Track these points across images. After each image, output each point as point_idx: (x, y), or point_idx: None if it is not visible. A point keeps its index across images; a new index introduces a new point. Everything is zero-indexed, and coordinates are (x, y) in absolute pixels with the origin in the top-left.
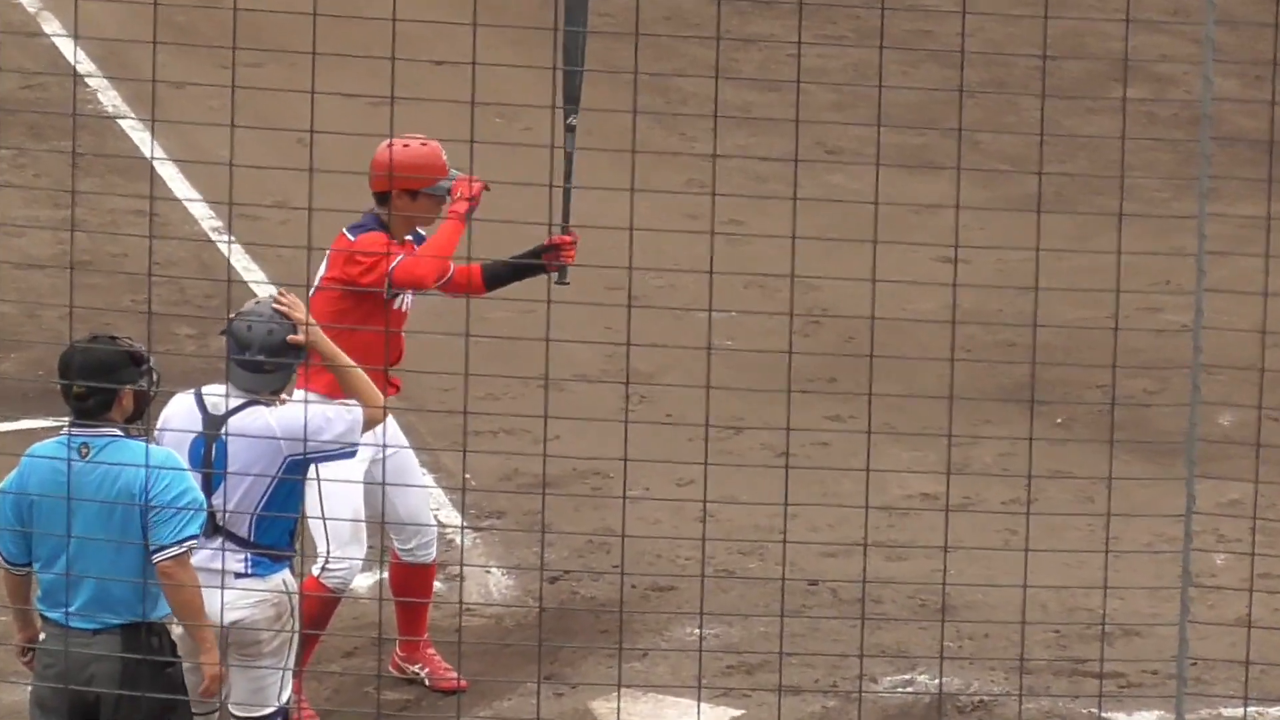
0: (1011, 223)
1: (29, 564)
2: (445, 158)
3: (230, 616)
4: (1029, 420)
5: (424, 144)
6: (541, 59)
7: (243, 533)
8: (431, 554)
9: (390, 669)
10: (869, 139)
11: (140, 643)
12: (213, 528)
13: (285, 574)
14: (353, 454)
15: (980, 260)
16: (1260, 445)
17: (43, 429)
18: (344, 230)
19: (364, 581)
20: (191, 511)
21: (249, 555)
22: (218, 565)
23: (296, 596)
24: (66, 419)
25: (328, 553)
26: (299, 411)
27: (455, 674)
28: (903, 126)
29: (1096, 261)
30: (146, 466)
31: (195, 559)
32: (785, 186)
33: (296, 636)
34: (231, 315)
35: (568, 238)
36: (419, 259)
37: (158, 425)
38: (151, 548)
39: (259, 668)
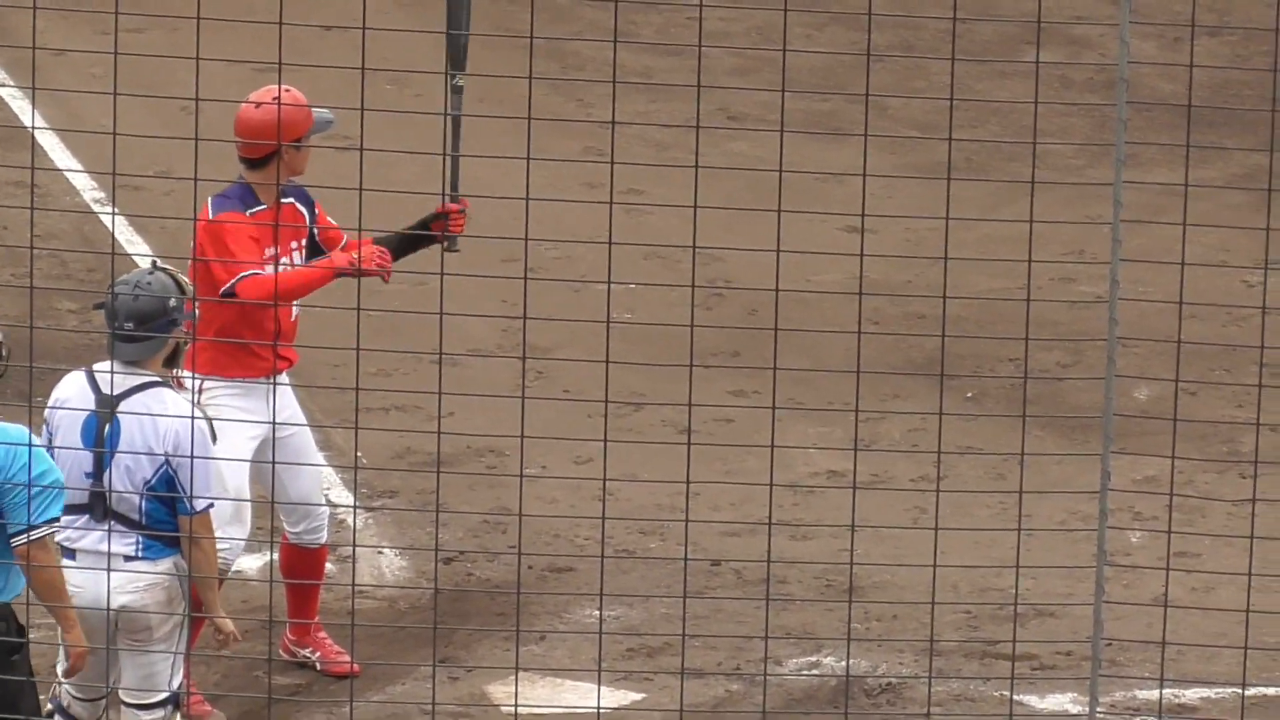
0: (920, 191)
1: None
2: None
3: (119, 601)
4: (938, 395)
5: (288, 91)
6: (434, 23)
7: (133, 515)
8: (322, 537)
9: (280, 652)
10: (773, 104)
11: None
12: (102, 511)
13: (176, 558)
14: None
15: (888, 230)
16: (1177, 420)
17: None
18: (208, 200)
19: (253, 563)
20: (53, 492)
21: (139, 538)
22: (105, 549)
23: (187, 580)
24: None
25: None
26: (185, 426)
27: (347, 658)
28: (808, 91)
29: (1008, 230)
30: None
31: (84, 542)
32: (686, 154)
33: (187, 621)
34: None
35: (455, 206)
36: (266, 282)
37: (49, 404)
38: (10, 530)
39: (150, 652)
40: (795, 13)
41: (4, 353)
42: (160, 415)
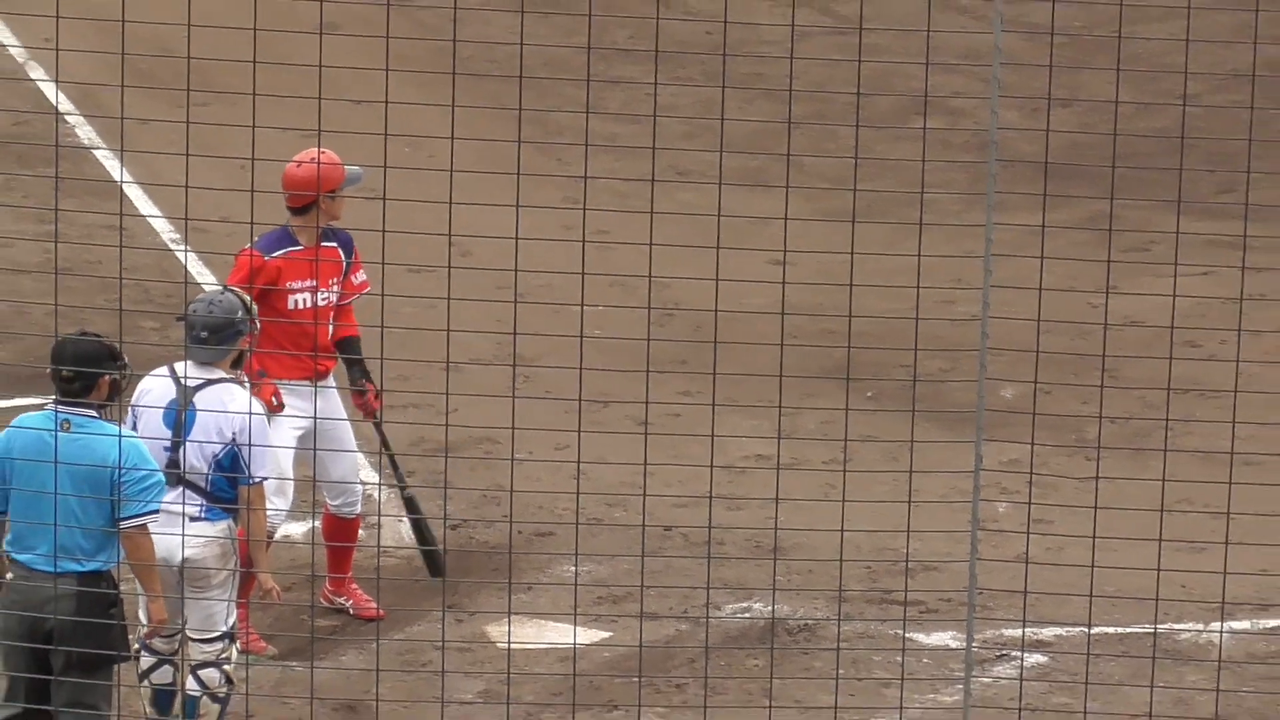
0: (831, 231)
1: (4, 513)
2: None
3: (184, 554)
4: (845, 394)
5: (324, 153)
6: (444, 99)
7: (201, 484)
8: (356, 509)
9: (321, 600)
10: (713, 162)
11: (94, 586)
12: (176, 479)
13: (230, 521)
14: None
15: (805, 263)
16: (1035, 414)
17: (33, 405)
18: (253, 245)
19: (299, 529)
20: (157, 488)
21: (204, 503)
22: (178, 509)
23: (237, 541)
24: (52, 398)
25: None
26: (246, 419)
27: (375, 605)
28: (741, 152)
29: (901, 263)
30: (120, 445)
31: (163, 500)
32: (644, 203)
33: (237, 574)
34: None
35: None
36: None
37: (134, 397)
38: (122, 515)
39: (208, 599)
40: (731, 89)
41: (127, 370)
42: (229, 406)
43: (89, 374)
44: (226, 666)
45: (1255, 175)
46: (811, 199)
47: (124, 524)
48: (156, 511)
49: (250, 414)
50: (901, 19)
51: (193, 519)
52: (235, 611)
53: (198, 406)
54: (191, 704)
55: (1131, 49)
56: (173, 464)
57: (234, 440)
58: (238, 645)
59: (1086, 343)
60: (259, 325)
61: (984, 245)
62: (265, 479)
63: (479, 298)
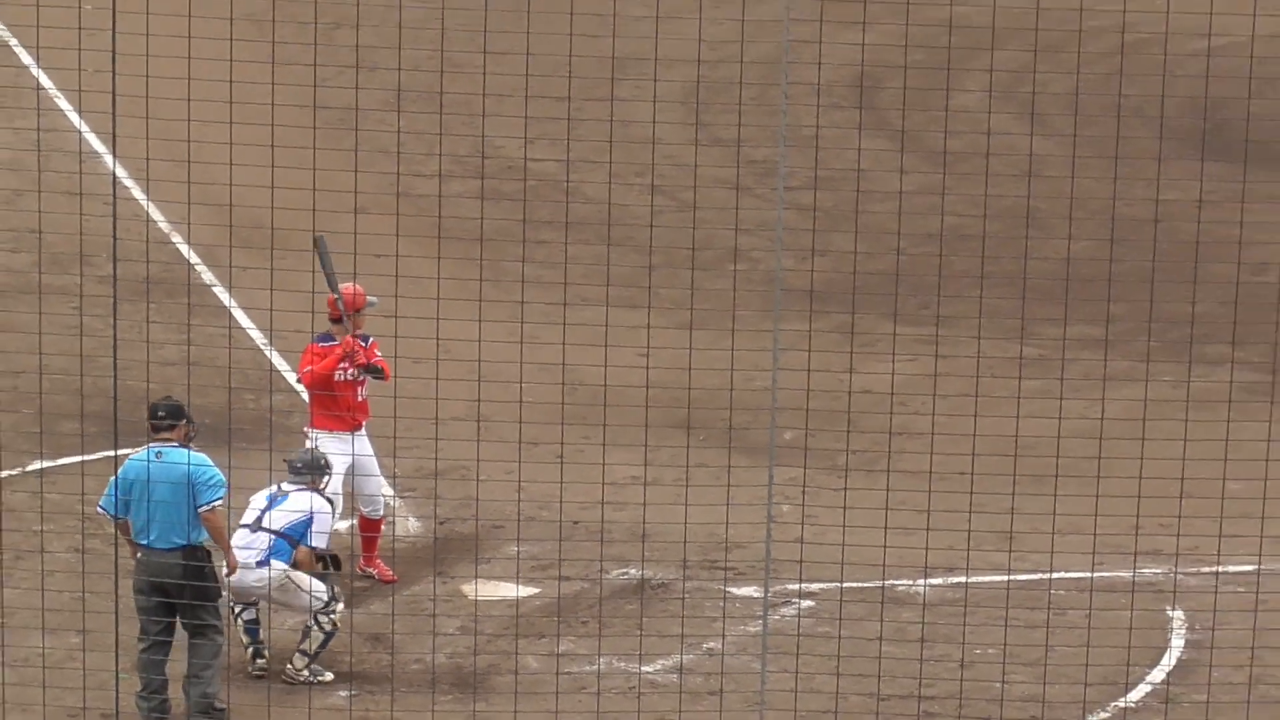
0: (679, 336)
1: (125, 517)
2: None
3: (256, 590)
4: (686, 437)
5: (356, 289)
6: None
7: (267, 538)
8: (379, 513)
9: (358, 569)
10: (602, 294)
11: (193, 554)
12: (257, 528)
13: (286, 565)
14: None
15: (659, 355)
16: (806, 449)
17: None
18: (313, 341)
19: (343, 525)
20: (220, 485)
21: (268, 554)
22: (250, 559)
23: (296, 574)
24: (149, 440)
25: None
26: (320, 509)
27: (391, 572)
28: (625, 286)
29: (720, 356)
30: (188, 465)
31: (244, 554)
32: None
33: (301, 591)
34: (288, 457)
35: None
36: (306, 377)
37: (253, 502)
38: (199, 504)
39: (293, 607)
40: (615, 246)
41: (195, 430)
42: (319, 503)
43: (172, 414)
44: (333, 615)
45: (943, 298)
46: (664, 314)
47: (201, 509)
48: (220, 499)
49: (313, 512)
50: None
51: (258, 564)
52: (326, 590)
53: (288, 495)
54: (285, 548)
55: (865, 220)
56: (260, 524)
57: (311, 517)
58: (341, 605)
59: (838, 403)
60: (329, 471)
61: (773, 343)
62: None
63: (457, 378)
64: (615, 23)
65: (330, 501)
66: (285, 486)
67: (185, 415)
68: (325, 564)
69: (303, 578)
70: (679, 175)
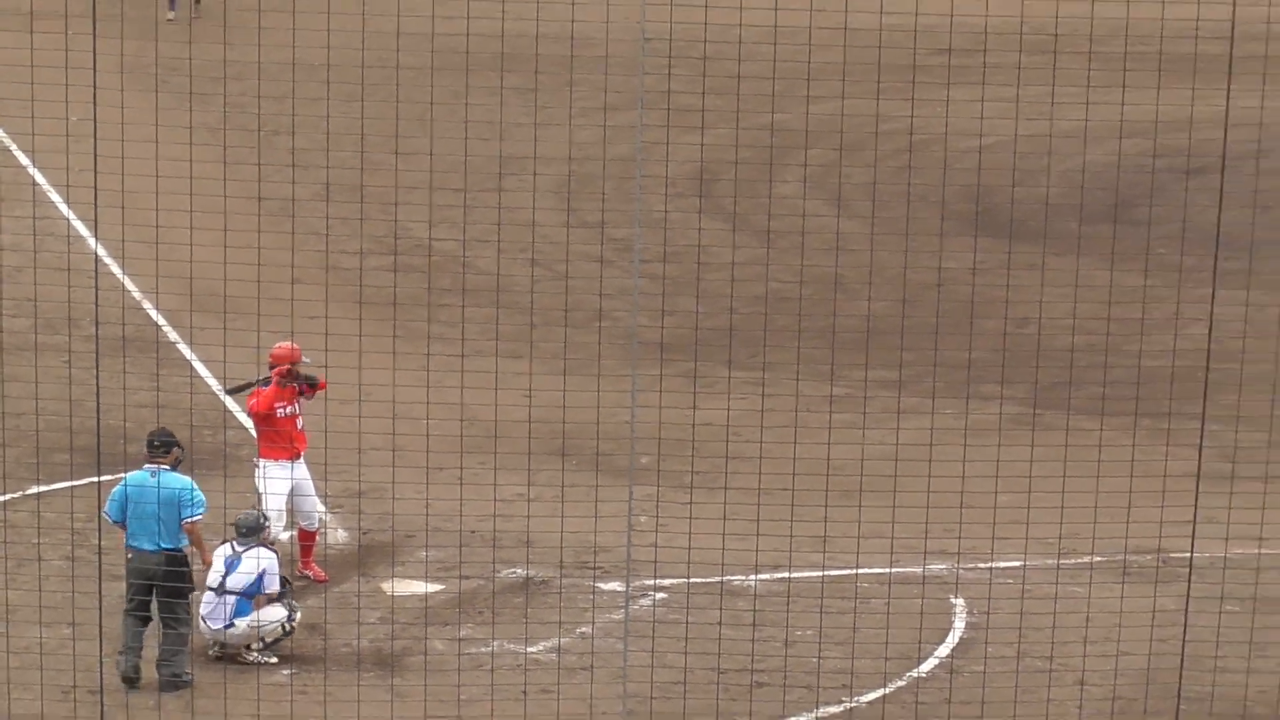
0: (557, 381)
1: (124, 522)
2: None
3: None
4: (562, 464)
5: (294, 345)
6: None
7: (233, 597)
8: (314, 526)
9: (297, 571)
10: (491, 348)
11: (175, 557)
12: (222, 590)
13: (249, 618)
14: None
15: (539, 397)
16: (659, 470)
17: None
18: (257, 386)
19: (285, 536)
20: (201, 502)
21: (230, 615)
22: (218, 618)
23: (261, 615)
24: (145, 463)
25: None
26: (269, 567)
27: (325, 574)
28: (506, 341)
29: (590, 397)
30: (179, 486)
31: (210, 613)
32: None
33: (268, 622)
34: (234, 522)
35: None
36: (252, 409)
37: (214, 554)
38: (184, 517)
39: (266, 629)
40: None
41: (183, 451)
42: (267, 562)
43: (166, 444)
44: (291, 623)
45: (768, 348)
46: (543, 363)
47: (185, 521)
48: (201, 515)
49: (265, 571)
50: (591, 271)
51: (225, 627)
52: (285, 608)
53: (242, 559)
54: (246, 606)
55: (704, 285)
56: (223, 586)
57: (262, 574)
58: (298, 615)
59: (684, 434)
60: (271, 532)
61: (631, 385)
62: (280, 586)
63: (376, 416)
64: (501, 129)
65: (274, 549)
66: (237, 548)
67: (176, 444)
68: (283, 592)
69: (266, 614)
70: (554, 251)
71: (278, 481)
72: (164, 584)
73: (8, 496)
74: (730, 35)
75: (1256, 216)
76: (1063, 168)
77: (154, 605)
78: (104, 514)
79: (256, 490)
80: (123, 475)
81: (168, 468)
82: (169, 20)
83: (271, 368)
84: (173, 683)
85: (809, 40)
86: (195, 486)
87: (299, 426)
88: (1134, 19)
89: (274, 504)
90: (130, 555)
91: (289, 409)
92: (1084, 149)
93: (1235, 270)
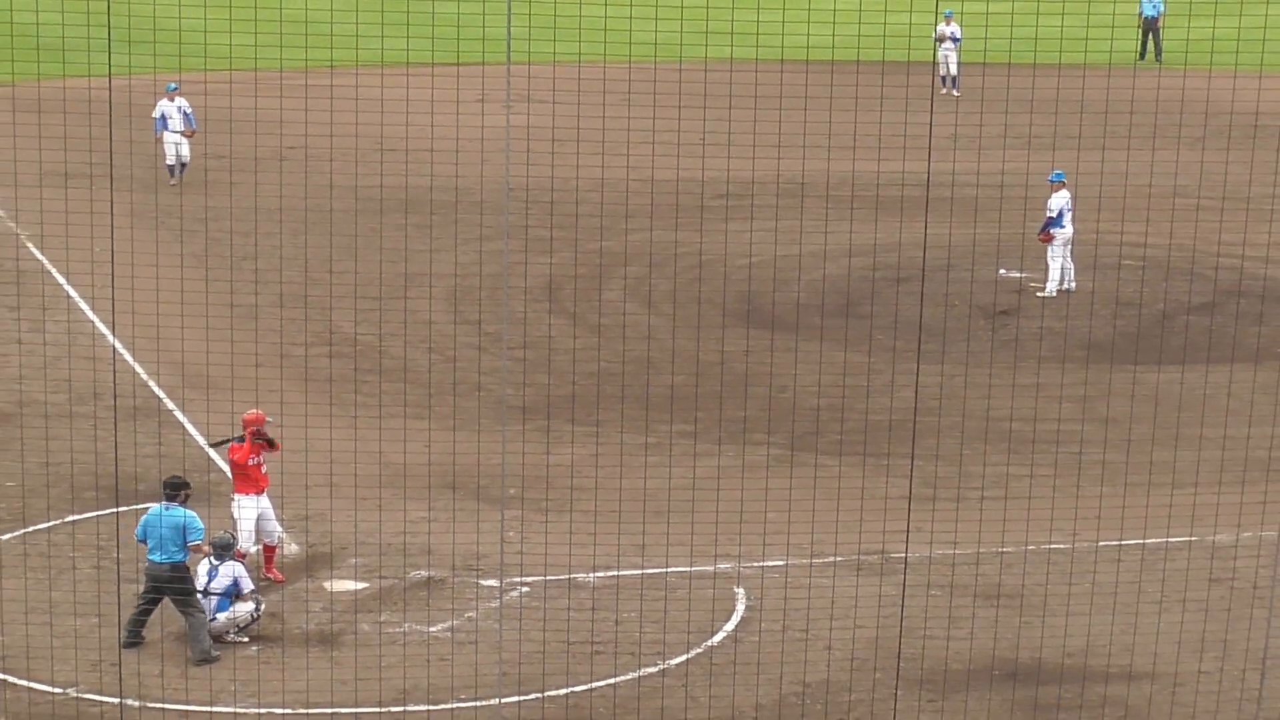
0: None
1: (145, 540)
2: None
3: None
4: (453, 494)
5: (259, 413)
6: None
7: (216, 594)
8: (274, 541)
9: (262, 575)
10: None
11: (179, 567)
12: (204, 593)
13: (229, 611)
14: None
15: (448, 445)
16: (524, 499)
17: (152, 504)
18: (233, 442)
19: (253, 549)
20: (199, 530)
21: (213, 609)
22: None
23: (236, 610)
24: (161, 499)
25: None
26: (240, 574)
27: (282, 575)
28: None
29: (473, 447)
30: (185, 518)
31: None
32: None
33: (240, 615)
34: (211, 541)
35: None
36: (231, 456)
37: (200, 568)
38: (188, 540)
39: (240, 619)
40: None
41: (189, 493)
42: (238, 570)
43: (175, 486)
44: (258, 614)
45: (600, 410)
46: (438, 421)
47: (189, 543)
48: (199, 539)
49: (237, 578)
50: (473, 356)
51: (210, 620)
52: (254, 603)
53: (219, 569)
54: (225, 603)
55: (554, 364)
56: (207, 589)
57: (237, 580)
58: (263, 607)
59: (541, 472)
60: (238, 542)
61: (502, 438)
62: (253, 589)
63: (318, 462)
64: (406, 253)
65: (243, 561)
66: (214, 562)
67: (185, 485)
68: (251, 591)
69: (240, 607)
70: (445, 341)
71: (248, 509)
72: (169, 586)
73: (51, 523)
74: (569, 185)
75: (947, 311)
76: (808, 278)
77: (160, 605)
78: (135, 536)
79: (233, 516)
80: (140, 506)
81: (177, 504)
82: (171, 185)
83: (245, 428)
84: (204, 659)
85: (626, 189)
86: (196, 516)
87: (263, 471)
88: (858, 171)
89: (246, 526)
90: (147, 565)
91: (256, 459)
92: (824, 264)
93: (932, 350)
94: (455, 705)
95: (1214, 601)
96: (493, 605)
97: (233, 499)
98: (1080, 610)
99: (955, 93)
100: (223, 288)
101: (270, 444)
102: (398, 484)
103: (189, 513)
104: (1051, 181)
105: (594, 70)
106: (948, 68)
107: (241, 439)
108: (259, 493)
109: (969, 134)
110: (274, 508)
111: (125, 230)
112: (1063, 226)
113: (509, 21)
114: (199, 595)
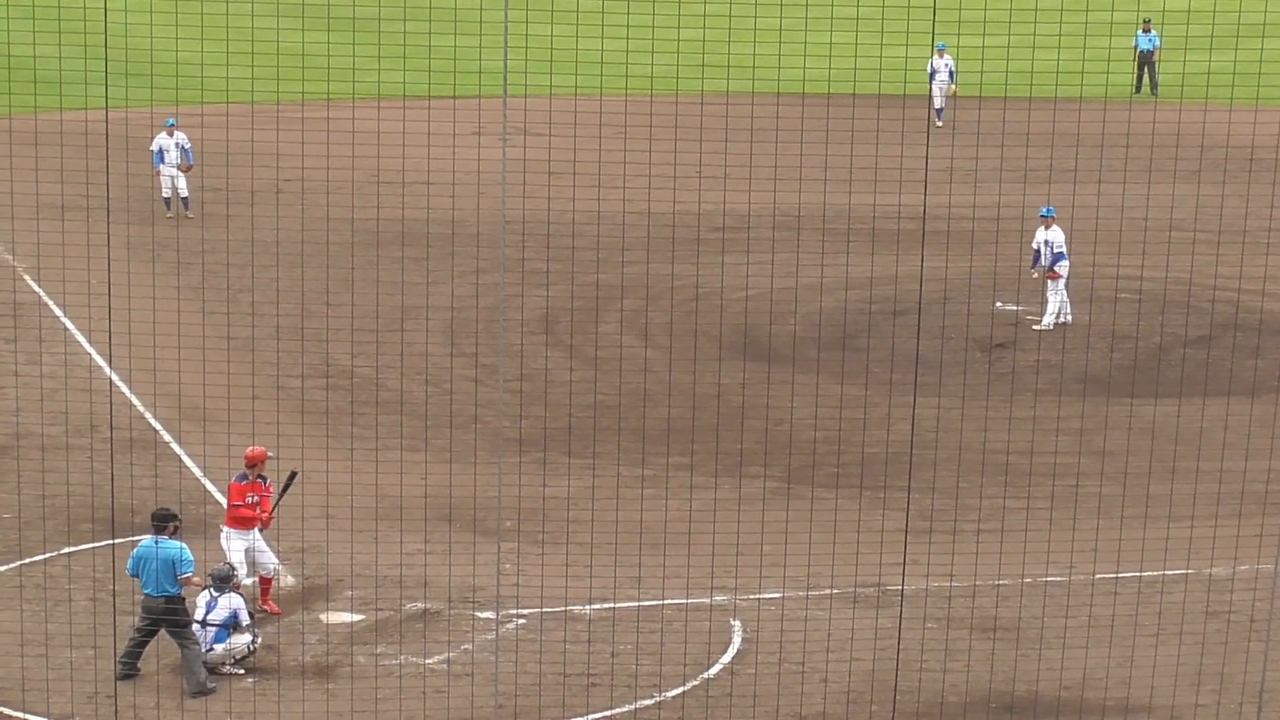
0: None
1: (138, 575)
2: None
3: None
4: (449, 526)
5: (262, 448)
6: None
7: (213, 627)
8: (270, 573)
9: (258, 606)
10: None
11: (173, 600)
12: (202, 624)
13: (226, 643)
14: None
15: (444, 478)
16: (519, 531)
17: (145, 537)
18: (234, 479)
19: (249, 581)
20: (190, 563)
21: (211, 639)
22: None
23: (232, 642)
24: (151, 533)
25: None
26: (239, 605)
27: (279, 609)
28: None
29: (469, 480)
30: (179, 551)
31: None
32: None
33: (237, 646)
34: (210, 572)
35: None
36: (230, 501)
37: (199, 599)
38: (179, 573)
39: (236, 651)
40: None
41: (180, 524)
42: (236, 603)
43: (164, 519)
44: (254, 646)
45: (596, 443)
46: (435, 454)
47: (180, 576)
48: (192, 571)
49: (235, 610)
50: (469, 389)
51: (207, 650)
52: (249, 635)
53: (218, 600)
54: (223, 635)
55: (550, 397)
56: (204, 620)
57: (235, 612)
58: (259, 640)
59: (537, 504)
60: (236, 573)
61: (498, 470)
62: (249, 621)
63: (314, 495)
64: (403, 287)
65: (241, 594)
66: (214, 593)
67: (173, 517)
68: (249, 624)
69: (236, 639)
70: (441, 374)
71: (238, 542)
72: (164, 619)
73: (47, 555)
74: (565, 218)
75: (943, 344)
76: (804, 311)
77: (155, 638)
78: (126, 570)
79: (223, 547)
80: (134, 539)
81: (167, 536)
82: (167, 218)
83: (249, 466)
84: (200, 692)
85: (623, 222)
86: (186, 549)
87: (257, 511)
88: (855, 204)
89: (234, 559)
90: (142, 597)
91: (252, 498)
92: (820, 297)
93: (929, 383)
94: None
95: (1211, 634)
96: (489, 637)
97: (222, 530)
98: (1077, 643)
99: (939, 123)
100: (219, 320)
101: (266, 486)
102: (394, 516)
103: (181, 545)
104: (1043, 216)
105: (590, 103)
106: (944, 100)
107: (244, 477)
108: (249, 529)
109: (965, 167)
110: (268, 542)
111: (122, 262)
112: (1065, 260)
113: (505, 54)
114: (197, 626)
